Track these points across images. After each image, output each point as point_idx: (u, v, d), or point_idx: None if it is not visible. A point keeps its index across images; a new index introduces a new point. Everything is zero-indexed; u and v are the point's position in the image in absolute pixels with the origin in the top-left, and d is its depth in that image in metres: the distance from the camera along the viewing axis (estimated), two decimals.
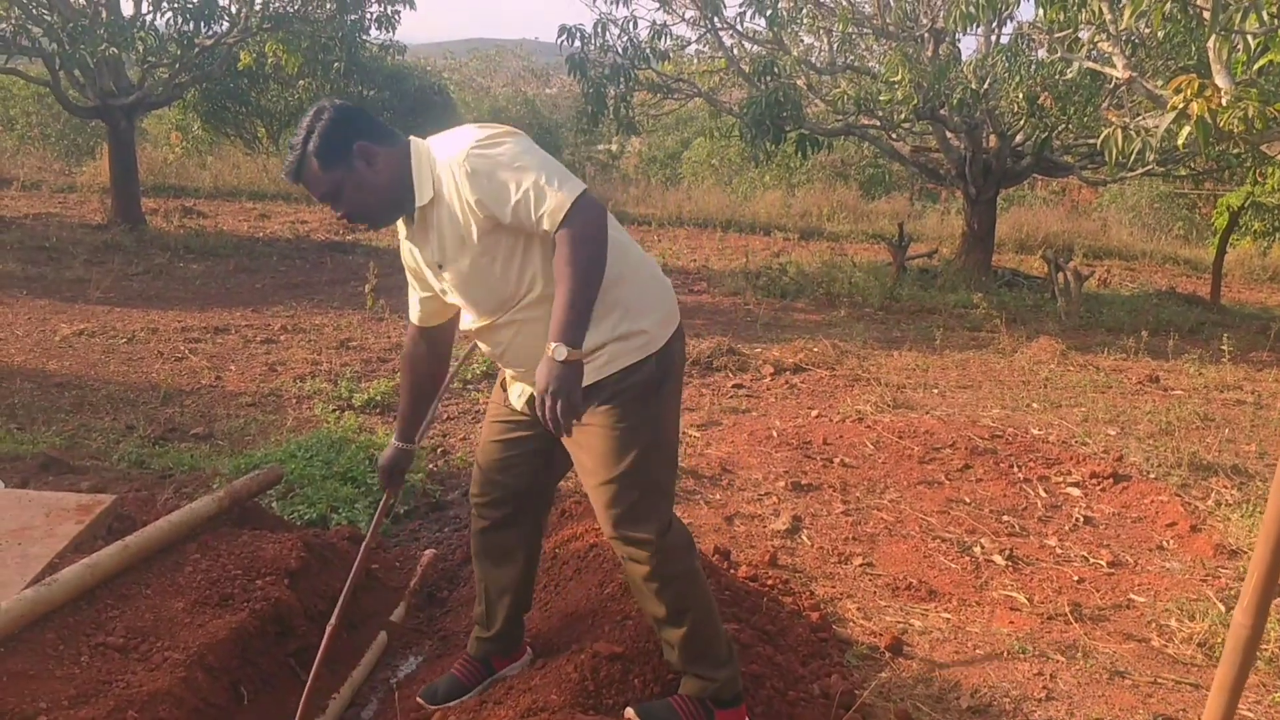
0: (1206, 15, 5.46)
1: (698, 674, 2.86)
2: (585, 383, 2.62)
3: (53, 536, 3.41)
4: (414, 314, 3.03)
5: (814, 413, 6.81)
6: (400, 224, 2.82)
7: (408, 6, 13.51)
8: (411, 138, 2.76)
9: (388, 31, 13.86)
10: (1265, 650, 3.78)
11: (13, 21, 11.82)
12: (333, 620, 3.09)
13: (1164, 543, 4.93)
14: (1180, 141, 5.51)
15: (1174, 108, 5.26)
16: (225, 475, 4.79)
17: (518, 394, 2.96)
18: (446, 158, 2.64)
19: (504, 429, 3.05)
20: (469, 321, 2.88)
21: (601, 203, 2.60)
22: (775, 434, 6.24)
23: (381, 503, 3.31)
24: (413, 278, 2.97)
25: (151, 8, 12.06)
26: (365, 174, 2.68)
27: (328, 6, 13.10)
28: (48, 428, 5.77)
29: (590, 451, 2.74)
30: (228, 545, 3.54)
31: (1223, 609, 4.12)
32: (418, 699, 3.14)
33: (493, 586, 3.15)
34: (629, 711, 2.82)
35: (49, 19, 11.75)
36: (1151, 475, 5.74)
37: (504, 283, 2.71)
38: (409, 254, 2.90)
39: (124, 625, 2.98)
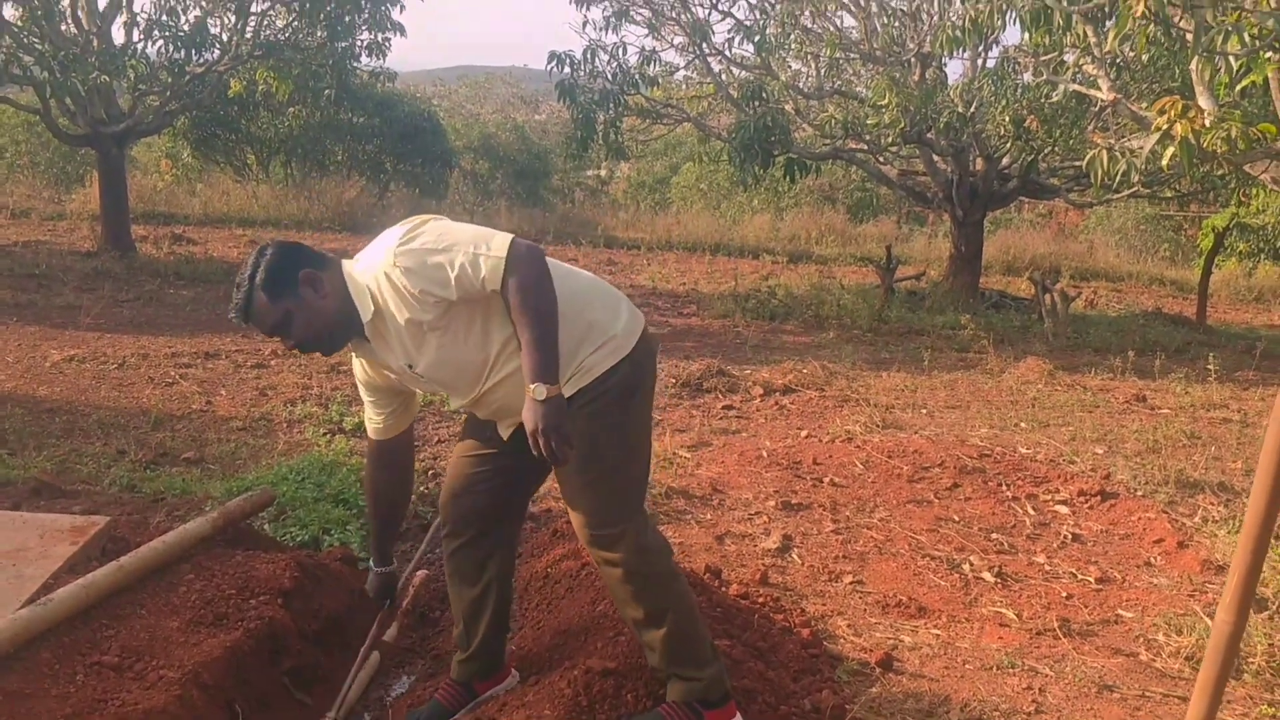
0: (1190, 38, 5.54)
1: (682, 675, 2.91)
2: (566, 394, 2.74)
3: (47, 558, 3.42)
4: (372, 428, 3.14)
5: (804, 433, 6.85)
6: (352, 345, 2.91)
7: (398, 34, 13.58)
8: (341, 260, 2.85)
9: (378, 59, 13.96)
10: (1252, 663, 3.82)
11: (4, 50, 11.87)
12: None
13: (1151, 559, 4.96)
14: (1164, 162, 5.57)
15: (1158, 129, 5.32)
16: (217, 499, 4.79)
17: (506, 428, 3.02)
18: (375, 267, 2.73)
19: (475, 446, 3.14)
20: (458, 402, 2.99)
21: (533, 244, 2.71)
22: (765, 454, 6.27)
23: (377, 620, 3.47)
24: (369, 393, 3.08)
25: (143, 36, 12.11)
26: (314, 300, 2.76)
27: (319, 34, 13.16)
28: (39, 453, 5.76)
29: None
30: (222, 565, 3.55)
31: (1209, 623, 4.15)
32: None
33: (467, 605, 3.19)
34: None
35: (41, 48, 11.80)
36: (1139, 493, 5.78)
37: (477, 351, 2.81)
38: (364, 370, 3.02)
39: (119, 644, 2.99)
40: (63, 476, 5.35)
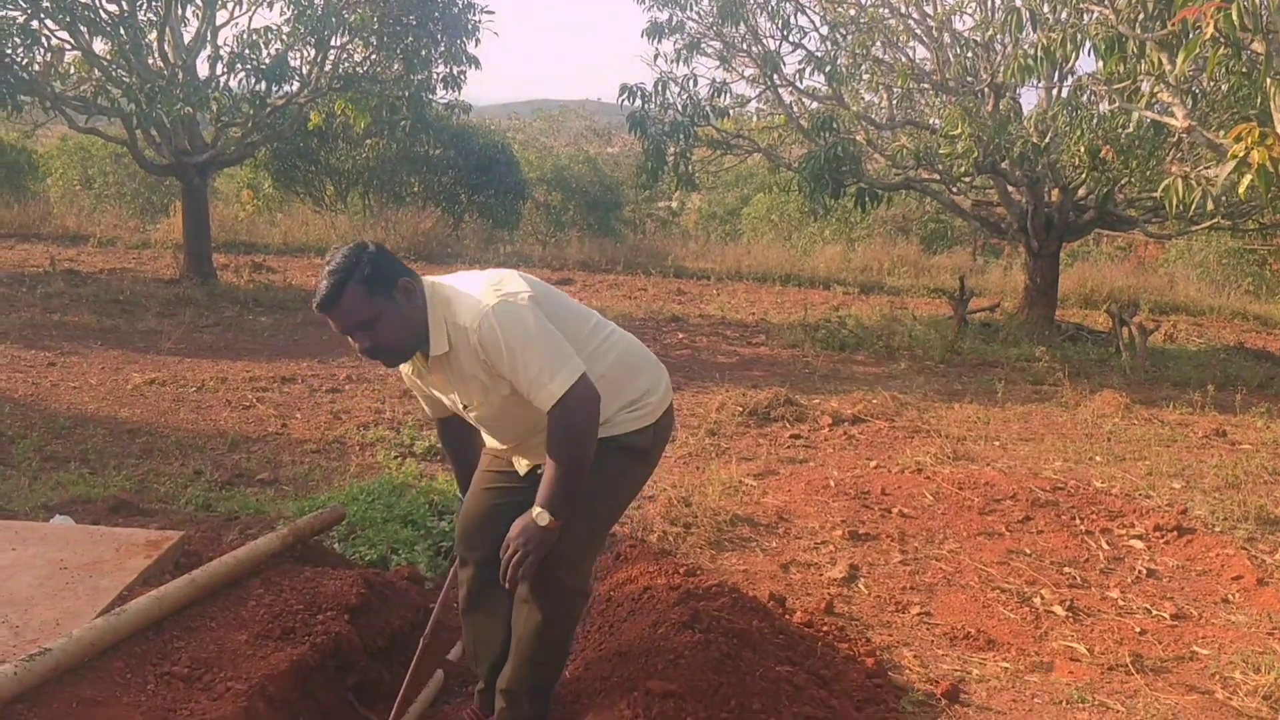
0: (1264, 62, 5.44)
1: (513, 700, 3.07)
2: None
3: (123, 570, 3.51)
4: (429, 412, 3.26)
5: (872, 463, 6.78)
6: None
7: (473, 67, 13.78)
8: (425, 280, 2.88)
9: (454, 91, 14.13)
10: None
11: (93, 83, 12.27)
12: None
13: (1229, 596, 4.84)
14: (1241, 190, 5.47)
15: (1234, 156, 5.22)
16: (289, 518, 4.88)
17: (524, 465, 3.12)
18: (461, 322, 2.77)
19: (496, 479, 3.20)
20: (494, 444, 3.10)
21: (593, 389, 2.76)
22: (833, 484, 6.22)
23: (429, 625, 3.32)
24: (418, 390, 3.17)
25: (226, 69, 12.43)
26: (406, 309, 2.80)
27: (395, 67, 13.42)
28: (118, 472, 5.92)
29: None
30: (290, 581, 3.61)
31: None
32: None
33: (486, 637, 3.26)
34: None
35: (128, 80, 12.17)
36: (1217, 529, 5.65)
37: (532, 413, 2.83)
38: (416, 381, 3.07)
39: (189, 655, 3.05)
40: (141, 495, 5.49)
